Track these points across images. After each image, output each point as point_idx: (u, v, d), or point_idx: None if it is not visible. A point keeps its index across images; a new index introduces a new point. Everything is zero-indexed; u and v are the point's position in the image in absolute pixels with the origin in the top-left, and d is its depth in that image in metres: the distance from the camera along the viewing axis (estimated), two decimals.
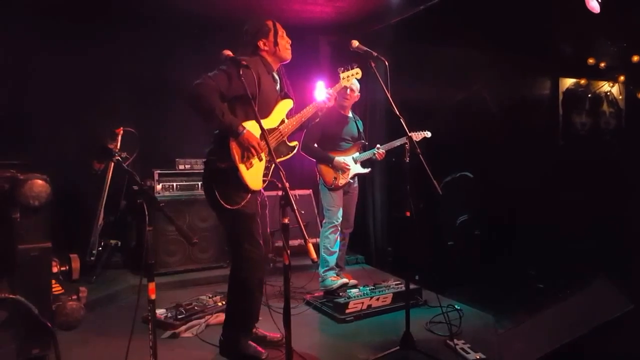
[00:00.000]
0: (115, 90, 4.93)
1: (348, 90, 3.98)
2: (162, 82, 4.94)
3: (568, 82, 3.96)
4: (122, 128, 4.29)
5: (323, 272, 4.00)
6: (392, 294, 3.66)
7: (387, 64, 2.72)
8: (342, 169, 4.06)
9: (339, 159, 4.06)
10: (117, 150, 4.17)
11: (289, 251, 1.94)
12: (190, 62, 4.63)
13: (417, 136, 4.08)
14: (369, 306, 3.56)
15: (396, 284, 3.87)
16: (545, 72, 4.08)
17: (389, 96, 2.70)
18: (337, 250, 4.06)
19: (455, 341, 2.90)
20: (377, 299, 3.61)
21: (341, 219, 4.10)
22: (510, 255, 4.41)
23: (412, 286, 3.38)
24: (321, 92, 3.87)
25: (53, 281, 1.01)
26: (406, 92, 3.48)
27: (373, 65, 2.77)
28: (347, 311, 3.46)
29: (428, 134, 3.99)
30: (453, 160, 4.68)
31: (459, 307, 3.48)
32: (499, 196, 4.31)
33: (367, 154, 4.15)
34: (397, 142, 4.01)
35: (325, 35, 5.92)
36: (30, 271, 0.92)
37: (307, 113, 2.92)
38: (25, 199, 0.93)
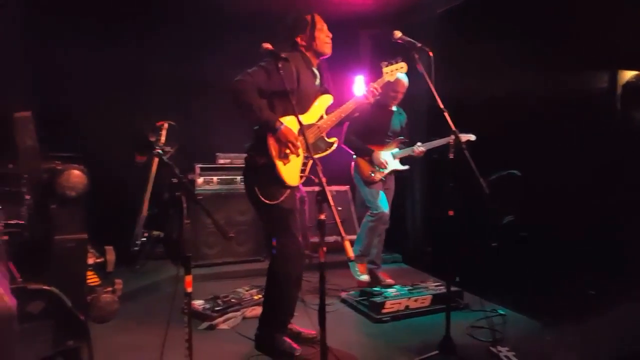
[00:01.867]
0: (160, 86, 5.05)
1: (397, 85, 3.93)
2: (205, 77, 5.02)
3: (628, 75, 3.69)
4: (164, 122, 4.39)
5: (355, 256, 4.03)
6: (431, 296, 3.56)
7: (431, 55, 2.63)
8: (380, 165, 4.00)
9: (378, 154, 3.98)
10: (160, 144, 4.27)
11: (324, 248, 1.90)
12: (233, 56, 4.66)
13: (461, 139, 3.95)
14: (407, 307, 3.48)
15: (436, 286, 3.76)
16: (602, 64, 3.83)
17: (432, 89, 2.61)
18: (367, 239, 4.09)
19: (499, 348, 2.77)
20: (415, 300, 3.51)
21: (384, 207, 4.07)
22: (559, 259, 4.19)
23: (452, 288, 3.27)
24: (361, 87, 3.81)
25: (90, 273, 1.01)
26: (449, 86, 3.35)
27: (416, 57, 2.68)
28: (384, 311, 3.39)
29: (472, 137, 3.85)
30: (498, 158, 4.49)
31: (502, 312, 3.34)
32: (548, 197, 4.10)
33: (406, 151, 4.05)
34: (439, 142, 3.89)
35: (366, 28, 5.83)
36: (65, 262, 0.92)
37: (347, 109, 2.88)
38: (62, 190, 0.93)
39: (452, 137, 2.66)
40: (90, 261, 1.00)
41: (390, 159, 4.07)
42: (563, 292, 3.79)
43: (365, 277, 4.11)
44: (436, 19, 4.77)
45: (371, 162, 4.04)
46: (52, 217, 0.95)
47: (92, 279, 1.03)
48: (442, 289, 3.61)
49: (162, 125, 4.38)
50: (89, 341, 0.97)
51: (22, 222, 3.41)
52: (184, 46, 5.07)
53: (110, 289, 1.01)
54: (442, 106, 2.60)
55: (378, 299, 3.44)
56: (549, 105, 3.92)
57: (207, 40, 5.09)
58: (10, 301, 0.52)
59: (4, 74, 4.51)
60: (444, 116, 2.62)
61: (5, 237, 1.06)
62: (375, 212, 4.10)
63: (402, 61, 3.03)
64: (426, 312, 3.50)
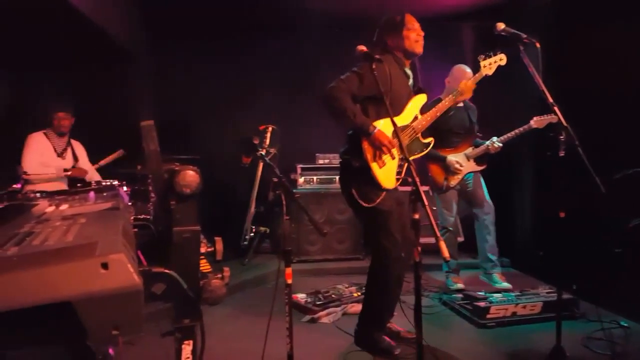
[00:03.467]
0: (264, 91, 5.39)
1: (465, 78, 3.70)
2: (305, 82, 5.23)
3: None
4: (268, 125, 4.66)
5: (445, 272, 4.01)
6: (541, 303, 3.32)
7: (538, 47, 2.47)
8: (455, 171, 3.77)
9: (451, 158, 3.77)
10: (265, 146, 4.55)
11: (420, 248, 1.89)
12: (329, 61, 4.81)
13: (541, 121, 3.62)
14: (514, 313, 3.29)
15: (547, 292, 3.50)
16: None
17: (540, 83, 2.45)
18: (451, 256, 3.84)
19: None
20: (524, 307, 3.31)
21: (455, 222, 3.91)
22: None
23: (566, 296, 3.03)
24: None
25: (202, 260, 1.14)
26: (559, 80, 3.11)
27: (522, 49, 2.53)
28: (489, 316, 3.25)
29: (554, 119, 3.48)
30: (625, 156, 4.04)
31: (625, 324, 3.02)
32: None
33: (480, 149, 3.79)
34: (515, 133, 3.67)
35: (467, 22, 5.60)
36: (182, 251, 1.06)
37: (443, 107, 2.82)
38: (179, 187, 1.06)
39: (563, 133, 2.46)
40: (203, 250, 1.14)
41: (464, 161, 3.82)
42: None
43: (459, 286, 3.96)
44: (543, 8, 4.43)
45: (445, 168, 3.81)
46: (172, 211, 1.09)
47: (204, 266, 1.16)
48: (555, 297, 3.35)
49: (266, 128, 4.66)
50: (202, 321, 1.09)
51: (149, 217, 3.86)
52: (288, 54, 5.34)
53: (219, 275, 1.13)
54: (551, 100, 2.43)
55: (483, 304, 3.30)
56: None
57: (309, 47, 5.29)
58: (139, 278, 0.63)
59: (134, 87, 5.16)
60: (554, 111, 2.44)
61: (135, 230, 1.24)
62: (444, 224, 3.93)
63: (502, 52, 2.88)
64: (535, 320, 3.27)
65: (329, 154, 5.08)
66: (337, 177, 4.81)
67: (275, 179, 1.99)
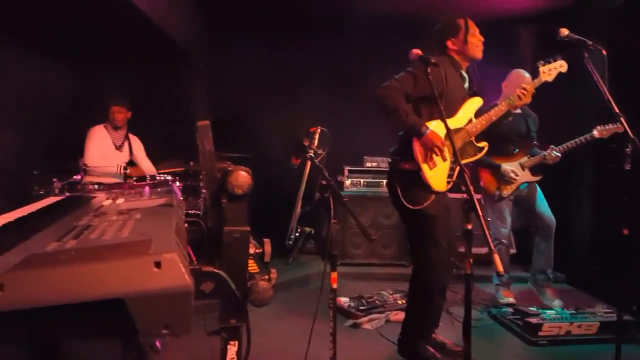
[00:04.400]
0: (315, 93, 5.41)
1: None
2: (355, 84, 5.21)
3: None
4: (317, 127, 4.67)
5: (495, 285, 3.86)
6: (598, 323, 3.12)
7: (605, 54, 2.32)
8: (510, 180, 3.60)
9: (506, 166, 3.60)
10: (314, 147, 4.56)
11: (471, 259, 1.82)
12: (381, 63, 4.76)
13: (605, 131, 3.41)
14: (568, 332, 3.11)
15: (605, 312, 3.28)
16: None
17: (605, 91, 2.30)
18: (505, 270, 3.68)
19: None
20: (579, 326, 3.12)
21: (508, 234, 3.71)
22: None
23: (626, 317, 2.83)
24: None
25: (250, 261, 1.14)
26: (626, 89, 2.91)
27: (586, 56, 2.39)
28: (540, 334, 3.09)
29: (619, 129, 3.23)
30: None
31: None
32: None
33: (537, 158, 3.59)
34: (575, 143, 3.47)
35: (527, 25, 5.38)
36: (231, 251, 1.06)
37: (499, 111, 2.72)
38: (231, 187, 1.07)
39: (630, 145, 2.30)
40: (251, 251, 1.14)
41: (519, 170, 3.64)
42: None
43: (510, 300, 3.79)
44: (610, 11, 4.17)
45: (498, 177, 3.65)
46: (223, 210, 1.09)
47: (252, 266, 1.16)
48: (614, 317, 3.14)
49: (315, 130, 4.67)
50: (247, 322, 1.09)
51: (199, 212, 3.97)
52: (339, 56, 5.34)
53: (266, 277, 1.13)
54: (617, 110, 2.28)
55: (535, 320, 3.15)
56: None
57: (360, 49, 5.27)
58: (190, 279, 0.63)
59: (190, 86, 5.33)
60: (620, 121, 2.29)
61: (186, 225, 1.25)
62: (496, 236, 3.75)
63: (562, 59, 2.74)
64: (592, 341, 3.08)
65: (377, 157, 5.03)
66: (385, 181, 4.81)
67: (323, 182, 1.98)
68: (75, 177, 3.91)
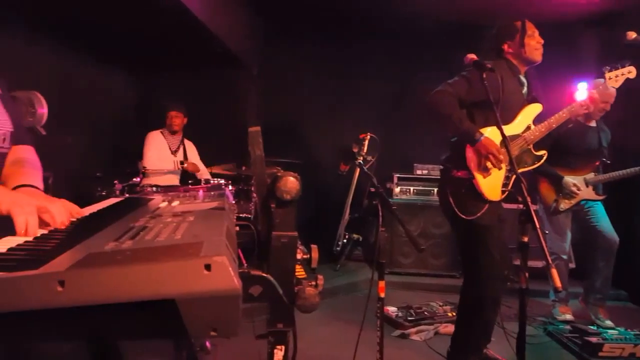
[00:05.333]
0: (364, 99, 5.41)
1: (607, 95, 3.30)
2: (404, 90, 5.16)
3: None
4: (367, 134, 4.64)
5: (552, 301, 3.70)
6: None
7: None
8: (570, 193, 3.40)
9: (569, 179, 3.41)
10: (363, 154, 4.54)
11: (527, 273, 1.74)
12: (432, 68, 4.69)
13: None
14: (632, 355, 2.90)
15: None
16: None
17: None
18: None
19: None
20: None
21: (567, 248, 3.50)
22: None
23: None
24: (580, 94, 3.33)
25: (298, 266, 1.15)
26: None
27: None
28: (601, 354, 2.90)
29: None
30: None
31: None
32: None
33: (603, 177, 3.37)
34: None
35: (590, 28, 5.10)
36: (279, 255, 1.07)
37: (559, 118, 2.59)
38: (280, 193, 1.08)
39: None
40: (299, 256, 1.14)
41: (582, 185, 3.43)
42: None
43: (567, 317, 3.59)
44: None
45: (558, 188, 3.46)
46: (271, 215, 1.11)
47: (300, 272, 1.17)
48: None
49: (365, 136, 4.65)
50: (294, 327, 1.10)
51: (250, 216, 4.06)
52: (386, 61, 5.31)
53: (313, 283, 1.13)
54: None
55: (595, 339, 2.96)
56: None
57: (409, 55, 5.22)
58: (238, 282, 0.64)
59: (243, 92, 5.48)
60: None
61: (237, 229, 1.28)
62: (554, 250, 3.56)
63: (631, 64, 2.57)
64: None
65: (428, 165, 4.94)
66: (436, 189, 4.70)
67: (372, 189, 1.96)
68: (134, 179, 4.11)
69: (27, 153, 1.31)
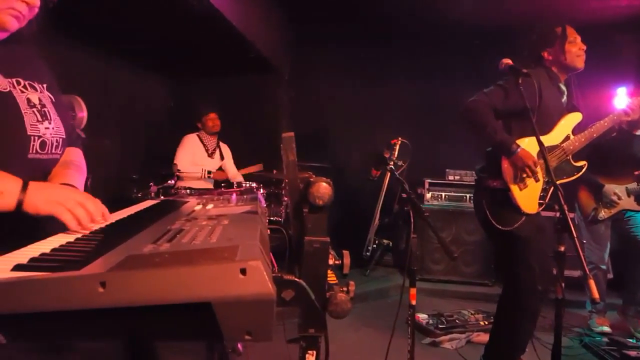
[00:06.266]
0: (394, 104, 5.38)
1: None
2: (435, 95, 5.10)
3: None
4: (398, 139, 4.61)
5: (589, 312, 3.57)
6: None
7: None
8: (610, 202, 3.26)
9: (610, 187, 3.28)
10: (394, 159, 4.51)
11: (563, 283, 1.69)
12: (466, 74, 4.62)
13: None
14: None
15: None
16: None
17: None
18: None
19: None
20: None
21: (606, 258, 3.37)
22: None
23: None
24: (619, 100, 3.20)
25: (329, 272, 1.14)
26: None
27: None
28: None
29: None
30: None
31: None
32: None
33: None
34: None
35: (632, 34, 4.91)
36: (311, 260, 1.07)
37: (601, 127, 2.49)
38: (313, 198, 1.08)
39: None
40: (330, 262, 1.14)
41: (624, 194, 3.29)
42: None
43: (605, 329, 3.45)
44: None
45: (597, 197, 3.35)
46: (304, 220, 1.11)
47: (331, 277, 1.16)
48: None
49: (396, 142, 4.61)
50: (326, 332, 1.09)
51: (280, 219, 4.08)
52: (419, 66, 5.28)
53: (345, 289, 1.12)
54: None
55: (634, 353, 2.84)
56: None
57: (442, 59, 5.16)
58: (273, 287, 0.64)
59: (275, 97, 5.54)
60: None
61: (268, 232, 1.29)
62: (591, 259, 3.42)
63: None
64: None
65: (460, 170, 4.85)
66: (468, 196, 4.63)
67: (404, 195, 1.94)
68: (169, 181, 4.20)
69: (73, 155, 1.35)
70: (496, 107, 2.39)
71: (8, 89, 1.11)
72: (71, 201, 1.01)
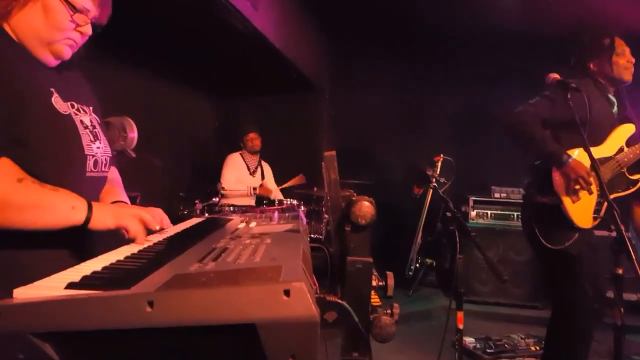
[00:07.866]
0: (436, 120, 5.31)
1: None
2: (478, 108, 4.99)
3: None
4: (441, 156, 4.52)
5: None
6: None
7: None
8: None
9: None
10: (436, 176, 4.42)
11: (622, 308, 1.58)
12: (510, 87, 4.50)
13: None
14: None
15: None
16: None
17: None
18: None
19: None
20: None
21: None
22: None
23: None
24: None
25: (373, 294, 1.12)
26: None
27: None
28: None
29: None
30: None
31: None
32: None
33: None
34: None
35: None
36: (354, 281, 1.05)
37: None
38: (355, 217, 1.07)
39: None
40: (374, 283, 1.11)
41: None
42: None
43: None
44: None
45: None
46: (346, 239, 1.10)
47: (374, 299, 1.14)
48: None
49: (439, 159, 4.53)
50: (371, 356, 1.07)
51: (321, 237, 4.07)
52: (459, 79, 5.18)
53: (389, 311, 1.09)
54: None
55: None
56: None
57: (485, 72, 5.05)
58: (316, 310, 0.63)
59: (316, 115, 5.59)
60: None
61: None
62: None
63: None
64: None
65: (506, 187, 4.68)
66: (516, 214, 4.46)
67: (448, 214, 1.89)
68: (213, 199, 4.29)
69: (114, 173, 1.48)
70: (543, 118, 2.32)
71: (68, 112, 1.18)
72: (131, 216, 1.12)
